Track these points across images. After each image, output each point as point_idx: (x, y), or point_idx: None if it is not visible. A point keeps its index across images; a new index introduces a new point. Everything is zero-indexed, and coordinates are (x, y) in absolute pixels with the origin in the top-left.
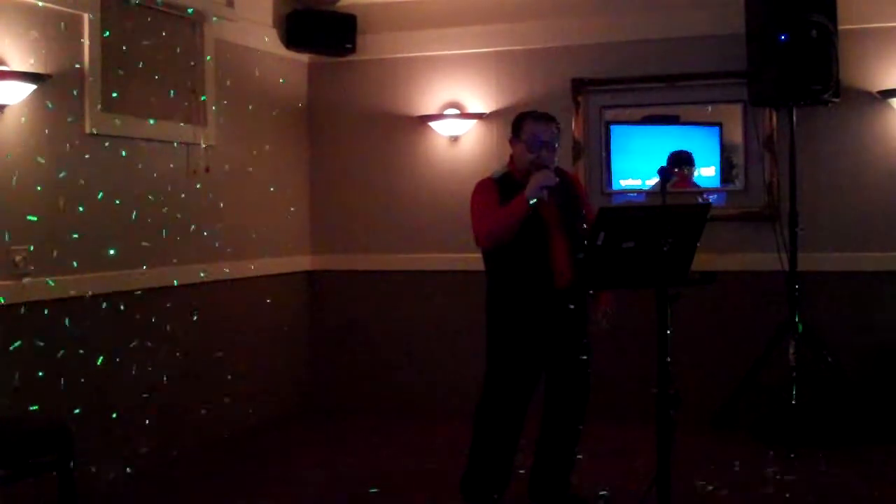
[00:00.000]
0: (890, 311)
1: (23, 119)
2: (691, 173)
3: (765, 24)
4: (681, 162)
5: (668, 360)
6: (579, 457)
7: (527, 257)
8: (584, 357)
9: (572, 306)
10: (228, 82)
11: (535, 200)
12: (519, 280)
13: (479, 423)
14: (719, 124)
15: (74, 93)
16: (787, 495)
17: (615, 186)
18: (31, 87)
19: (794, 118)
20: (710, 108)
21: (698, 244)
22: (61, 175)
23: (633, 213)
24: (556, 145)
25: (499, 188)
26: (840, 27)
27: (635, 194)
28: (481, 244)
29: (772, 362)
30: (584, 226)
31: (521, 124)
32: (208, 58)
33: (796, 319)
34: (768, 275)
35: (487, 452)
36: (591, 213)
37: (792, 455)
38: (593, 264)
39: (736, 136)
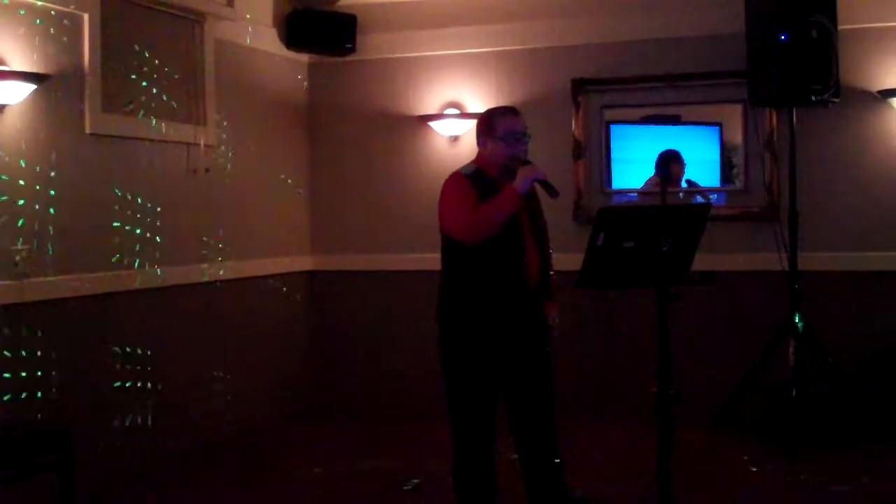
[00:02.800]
0: (890, 312)
1: (23, 119)
2: (681, 173)
3: (765, 24)
4: (670, 161)
5: (668, 360)
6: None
7: (503, 255)
8: (546, 359)
9: (538, 304)
10: (228, 82)
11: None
12: (492, 278)
13: (453, 431)
14: (719, 124)
15: (74, 93)
16: (787, 495)
17: (615, 186)
18: (31, 87)
19: (794, 118)
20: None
21: (698, 244)
22: (61, 175)
23: (632, 213)
24: (529, 138)
25: (472, 184)
26: (840, 27)
27: (635, 195)
28: (466, 240)
29: (772, 362)
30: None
31: (493, 121)
32: (208, 58)
33: (796, 319)
34: (768, 275)
35: (467, 457)
36: (542, 215)
37: (792, 455)
38: (593, 264)
39: (736, 136)
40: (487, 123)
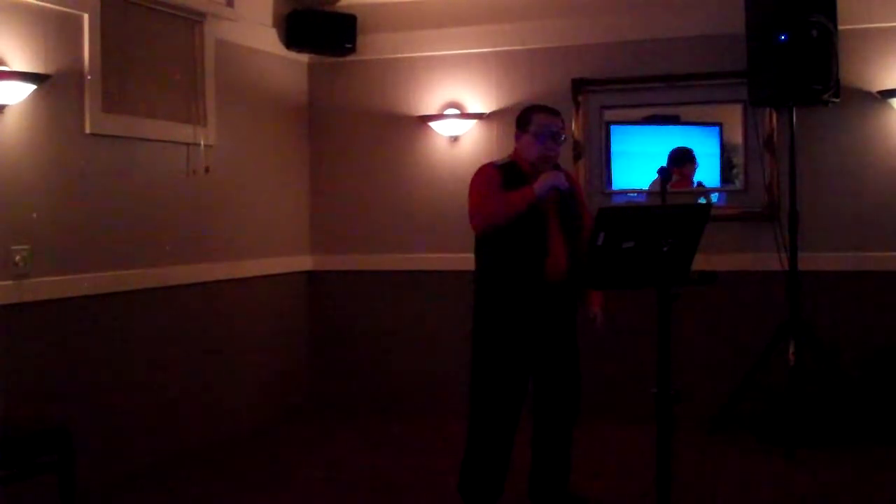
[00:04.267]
0: (890, 311)
1: (23, 119)
2: (692, 171)
3: (765, 24)
4: (682, 159)
5: (668, 360)
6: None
7: (523, 249)
8: (574, 356)
9: (564, 301)
10: (228, 82)
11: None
12: (513, 271)
13: (471, 426)
14: (719, 124)
15: (74, 93)
16: (787, 495)
17: (615, 186)
18: (31, 87)
19: (794, 118)
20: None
21: (698, 244)
22: (61, 175)
23: (632, 213)
24: (563, 139)
25: (502, 175)
26: (840, 27)
27: (636, 194)
28: (476, 225)
29: (772, 362)
30: (579, 226)
31: (530, 116)
32: (208, 58)
33: (796, 319)
34: (768, 275)
35: (482, 455)
36: (587, 215)
37: (792, 455)
38: (593, 264)
39: (736, 136)
40: (524, 118)
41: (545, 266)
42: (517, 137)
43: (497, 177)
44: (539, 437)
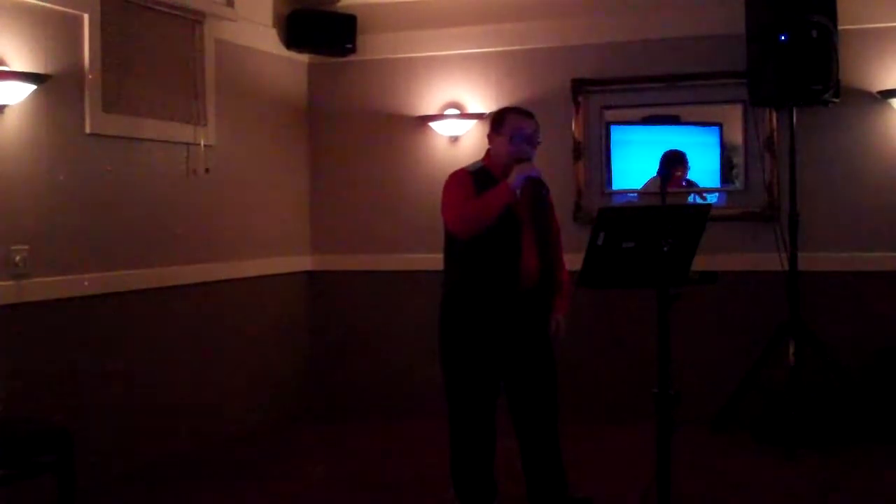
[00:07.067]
0: (890, 311)
1: (23, 119)
2: (684, 174)
3: (765, 24)
4: (675, 162)
5: (668, 360)
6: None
7: (497, 254)
8: (546, 360)
9: (534, 306)
10: (228, 82)
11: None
12: (484, 277)
13: (451, 430)
14: (719, 124)
15: (74, 93)
16: (787, 495)
17: (615, 186)
18: (31, 87)
19: (794, 118)
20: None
21: (698, 244)
22: (61, 175)
23: (632, 213)
24: (538, 142)
25: (474, 181)
26: (840, 27)
27: (635, 195)
28: (457, 230)
29: (772, 362)
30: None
31: (503, 118)
32: (208, 58)
33: (796, 319)
34: (768, 275)
35: (464, 458)
36: (556, 221)
37: (791, 455)
38: (593, 264)
39: (736, 136)
40: (498, 119)
41: (517, 272)
42: (490, 138)
43: (470, 182)
44: (521, 441)
